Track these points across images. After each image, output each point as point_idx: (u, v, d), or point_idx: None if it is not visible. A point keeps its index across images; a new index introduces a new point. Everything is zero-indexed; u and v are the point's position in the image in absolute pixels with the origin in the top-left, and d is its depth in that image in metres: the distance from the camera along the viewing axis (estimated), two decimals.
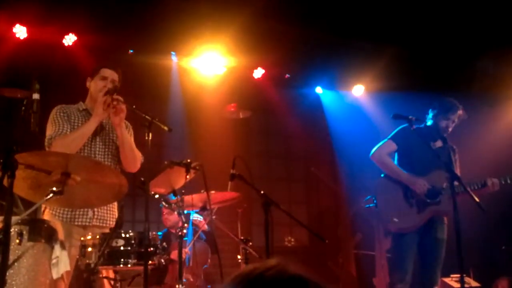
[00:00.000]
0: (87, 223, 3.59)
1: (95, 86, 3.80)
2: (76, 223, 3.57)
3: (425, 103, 6.61)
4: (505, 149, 7.05)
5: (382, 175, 4.66)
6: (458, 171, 4.64)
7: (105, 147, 3.79)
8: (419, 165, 4.54)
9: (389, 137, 4.70)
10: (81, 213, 3.60)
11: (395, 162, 4.65)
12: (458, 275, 5.41)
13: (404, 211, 4.46)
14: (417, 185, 4.43)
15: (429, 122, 4.70)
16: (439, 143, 4.67)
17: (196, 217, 5.34)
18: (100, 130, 3.79)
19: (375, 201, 4.66)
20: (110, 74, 3.82)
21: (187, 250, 4.74)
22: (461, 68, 7.57)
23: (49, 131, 3.67)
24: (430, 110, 4.75)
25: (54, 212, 3.57)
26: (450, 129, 4.64)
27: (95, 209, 3.64)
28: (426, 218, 4.43)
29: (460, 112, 4.65)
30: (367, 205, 4.72)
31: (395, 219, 4.45)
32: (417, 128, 4.66)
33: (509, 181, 4.50)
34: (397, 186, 4.54)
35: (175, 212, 3.76)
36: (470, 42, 7.12)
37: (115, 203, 3.80)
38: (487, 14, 6.69)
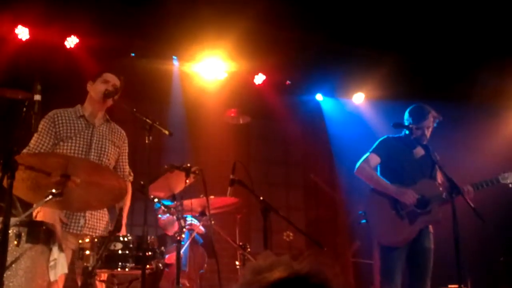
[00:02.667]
0: (78, 231, 3.59)
1: (96, 88, 3.81)
2: (66, 230, 3.57)
3: None
4: (504, 161, 7.03)
5: (371, 189, 4.59)
6: (439, 179, 4.60)
7: (99, 157, 3.78)
8: (405, 175, 4.50)
9: (370, 150, 4.63)
10: (73, 220, 3.61)
11: (379, 174, 4.57)
12: (457, 286, 5.38)
13: (396, 224, 4.39)
14: (406, 196, 4.37)
15: (405, 132, 4.64)
16: (421, 152, 4.61)
17: (192, 220, 5.33)
18: (96, 140, 3.79)
19: (366, 216, 4.58)
20: (112, 78, 3.83)
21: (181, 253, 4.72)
22: (461, 77, 7.58)
23: (32, 140, 3.66)
24: (405, 120, 4.69)
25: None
26: (428, 135, 4.57)
27: (87, 217, 3.66)
28: (418, 229, 4.38)
29: (432, 116, 4.58)
30: (361, 221, 4.65)
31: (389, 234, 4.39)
32: (398, 137, 4.66)
33: (482, 187, 4.39)
34: (386, 199, 4.46)
35: (174, 217, 3.74)
36: (471, 52, 7.13)
37: (106, 213, 3.82)
38: (488, 24, 6.70)
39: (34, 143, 3.66)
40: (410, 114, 4.65)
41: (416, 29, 6.84)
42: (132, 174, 4.02)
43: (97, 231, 3.69)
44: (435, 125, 4.62)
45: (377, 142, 4.65)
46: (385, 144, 4.61)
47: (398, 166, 4.54)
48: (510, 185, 4.46)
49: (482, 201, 4.36)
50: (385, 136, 4.70)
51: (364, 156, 4.61)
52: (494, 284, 7.09)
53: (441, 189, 4.49)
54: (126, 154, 4.02)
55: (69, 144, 3.70)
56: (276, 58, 7.35)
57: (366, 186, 4.70)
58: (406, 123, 4.64)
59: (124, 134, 4.00)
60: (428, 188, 4.43)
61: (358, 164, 4.59)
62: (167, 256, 4.71)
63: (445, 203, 4.40)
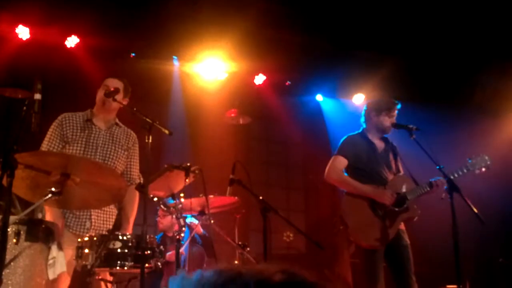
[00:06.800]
0: (84, 233, 3.60)
1: (98, 94, 3.91)
2: (72, 231, 3.59)
3: (426, 113, 6.65)
4: (505, 162, 7.04)
5: (345, 193, 4.46)
6: (402, 170, 4.58)
7: (104, 160, 3.79)
8: (374, 173, 4.42)
9: (335, 153, 4.50)
10: (79, 223, 3.62)
11: (347, 175, 4.45)
12: (455, 286, 5.38)
13: (376, 225, 4.30)
14: (385, 197, 4.28)
15: (369, 123, 4.57)
16: (381, 144, 4.57)
17: (191, 220, 5.35)
18: (102, 143, 3.81)
19: (343, 221, 4.42)
20: (111, 82, 3.92)
21: (182, 251, 4.73)
22: (462, 79, 7.58)
23: (44, 141, 3.74)
24: (367, 112, 4.61)
25: None
26: (390, 126, 4.51)
27: (93, 220, 3.67)
28: (397, 228, 4.32)
29: (396, 106, 4.55)
30: (340, 227, 4.51)
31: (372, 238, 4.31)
32: (358, 133, 4.61)
33: (455, 175, 4.28)
34: (362, 201, 4.35)
35: (173, 216, 3.75)
36: (472, 54, 7.14)
37: (114, 212, 3.82)
38: (489, 26, 6.71)
39: (45, 147, 3.71)
40: (382, 103, 4.60)
41: (417, 31, 6.85)
42: (142, 178, 3.99)
43: (104, 232, 3.68)
44: (397, 112, 4.56)
45: (340, 143, 4.55)
46: (348, 144, 4.51)
47: (365, 164, 4.44)
48: (477, 171, 4.39)
49: (480, 202, 4.36)
50: (346, 136, 4.60)
51: (331, 161, 4.50)
52: (492, 284, 7.09)
53: (412, 182, 4.46)
54: (136, 157, 4.02)
55: (75, 147, 3.74)
56: (276, 58, 7.35)
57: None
58: (373, 114, 4.56)
59: (135, 136, 4.01)
60: (400, 184, 4.39)
61: (327, 170, 4.47)
62: (169, 253, 4.73)
63: (420, 196, 4.38)
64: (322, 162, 8.71)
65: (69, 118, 3.83)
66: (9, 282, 2.73)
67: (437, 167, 4.16)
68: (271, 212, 3.77)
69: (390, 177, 4.45)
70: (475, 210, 3.85)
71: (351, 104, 8.40)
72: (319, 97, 8.54)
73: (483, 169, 4.41)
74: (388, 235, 4.31)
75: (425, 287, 4.51)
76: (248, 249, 4.36)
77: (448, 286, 6.21)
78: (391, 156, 4.58)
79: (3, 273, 2.46)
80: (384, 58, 7.31)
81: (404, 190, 4.37)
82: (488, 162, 4.42)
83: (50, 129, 3.78)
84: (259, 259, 4.00)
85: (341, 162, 4.45)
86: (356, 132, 4.64)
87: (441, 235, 4.56)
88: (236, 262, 4.59)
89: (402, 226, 4.43)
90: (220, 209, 4.29)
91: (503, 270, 7.07)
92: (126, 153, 3.93)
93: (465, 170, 4.37)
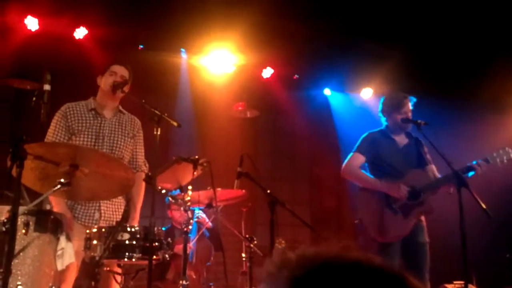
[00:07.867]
0: (93, 224, 3.60)
1: (105, 81, 3.86)
2: (80, 223, 3.60)
3: (434, 107, 6.61)
4: None
5: (360, 188, 4.53)
6: (430, 163, 4.58)
7: (112, 150, 3.79)
8: (392, 168, 4.46)
9: (353, 149, 4.59)
10: (87, 214, 3.63)
11: (369, 172, 4.53)
12: (462, 282, 5.37)
13: (390, 219, 4.33)
14: (396, 190, 4.31)
15: (388, 121, 4.62)
16: (404, 140, 4.59)
17: (200, 214, 5.35)
18: (108, 133, 3.81)
19: (359, 215, 4.48)
20: (119, 69, 3.88)
21: (190, 245, 4.74)
22: (469, 73, 7.53)
23: (48, 133, 3.73)
24: (380, 112, 4.70)
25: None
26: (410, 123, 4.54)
27: (102, 210, 3.68)
28: (413, 222, 4.33)
29: (409, 100, 4.57)
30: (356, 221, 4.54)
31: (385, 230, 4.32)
32: (379, 130, 4.65)
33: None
34: (377, 196, 4.40)
35: (181, 208, 3.75)
36: (480, 48, 7.09)
37: (122, 203, 3.82)
38: (497, 20, 6.66)
39: (50, 138, 3.70)
40: (389, 103, 4.63)
41: (425, 24, 6.81)
42: (147, 165, 4.00)
43: (113, 223, 3.67)
44: (412, 107, 4.58)
45: (359, 141, 4.62)
46: (367, 141, 4.57)
47: (383, 160, 4.50)
48: (499, 163, 4.38)
49: (487, 197, 4.33)
50: (366, 133, 4.66)
51: (348, 157, 4.57)
52: (499, 281, 7.06)
53: (431, 176, 4.47)
54: (142, 143, 4.02)
55: (81, 137, 3.73)
56: (284, 51, 7.33)
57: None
58: (386, 114, 4.63)
59: (139, 123, 4.00)
60: (417, 178, 4.39)
61: (343, 165, 4.57)
62: (175, 247, 4.74)
63: (437, 191, 4.39)
64: (328, 156, 8.77)
65: (73, 109, 3.80)
66: (18, 272, 2.75)
67: (445, 161, 4.15)
68: (277, 205, 3.77)
69: (410, 172, 4.46)
70: (483, 205, 3.83)
71: (359, 98, 8.37)
72: (327, 91, 8.52)
73: (505, 161, 4.40)
74: (404, 229, 4.32)
75: (432, 282, 4.50)
76: (255, 242, 4.36)
77: (454, 281, 6.19)
78: (414, 151, 4.58)
79: (12, 263, 2.48)
80: (392, 51, 7.27)
81: (421, 184, 4.37)
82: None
83: (54, 120, 3.74)
84: (267, 252, 4.00)
85: (358, 158, 4.53)
86: (378, 128, 4.69)
87: (448, 230, 4.54)
88: (243, 255, 4.60)
89: (422, 223, 4.43)
90: (227, 202, 4.29)
91: (510, 266, 7.04)
92: (132, 140, 3.93)
93: (486, 162, 4.38)
